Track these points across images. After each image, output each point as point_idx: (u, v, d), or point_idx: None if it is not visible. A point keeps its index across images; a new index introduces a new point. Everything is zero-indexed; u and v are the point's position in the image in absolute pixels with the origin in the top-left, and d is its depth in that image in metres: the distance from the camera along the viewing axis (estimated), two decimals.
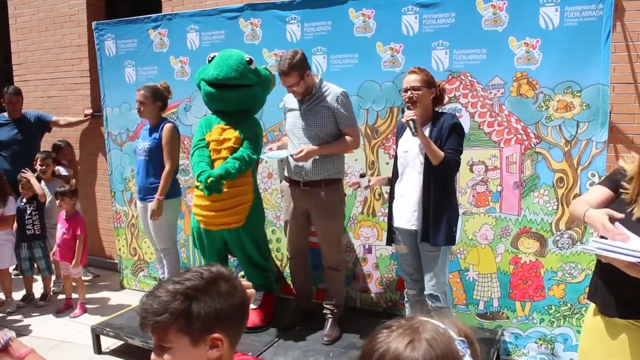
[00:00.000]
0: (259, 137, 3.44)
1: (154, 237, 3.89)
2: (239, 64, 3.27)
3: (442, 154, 2.62)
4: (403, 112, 2.71)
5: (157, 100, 3.73)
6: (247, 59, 3.32)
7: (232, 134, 3.31)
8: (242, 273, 3.88)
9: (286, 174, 3.35)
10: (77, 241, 4.21)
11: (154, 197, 3.66)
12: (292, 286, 3.71)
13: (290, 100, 3.29)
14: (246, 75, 3.28)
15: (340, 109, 3.13)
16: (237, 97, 3.32)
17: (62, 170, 4.75)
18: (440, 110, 2.90)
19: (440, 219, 2.71)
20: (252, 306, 3.46)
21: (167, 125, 3.70)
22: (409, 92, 2.71)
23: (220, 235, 3.42)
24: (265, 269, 3.62)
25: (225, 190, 3.20)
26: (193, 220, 3.48)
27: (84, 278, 4.67)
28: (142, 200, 3.82)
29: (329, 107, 3.12)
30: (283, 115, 3.45)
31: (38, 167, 4.53)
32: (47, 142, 5.23)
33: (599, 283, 1.90)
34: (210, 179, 3.08)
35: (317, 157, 3.15)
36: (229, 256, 3.79)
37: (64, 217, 4.24)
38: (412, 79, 2.72)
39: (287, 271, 3.91)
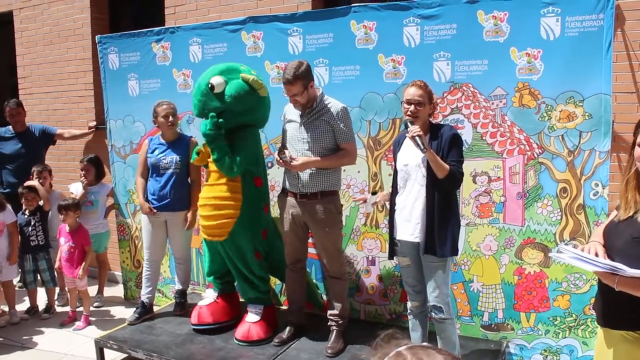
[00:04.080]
0: (249, 152, 3.37)
1: (175, 246, 4.01)
2: (200, 97, 3.30)
3: (447, 167, 2.62)
4: (406, 126, 2.70)
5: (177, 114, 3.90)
6: (210, 85, 3.24)
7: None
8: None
9: (285, 186, 3.36)
10: (86, 254, 4.26)
11: (184, 209, 3.87)
12: (285, 296, 3.66)
13: (290, 112, 3.30)
14: (208, 105, 3.28)
15: (340, 124, 3.14)
16: (218, 124, 3.29)
17: (76, 187, 4.73)
18: (435, 122, 2.91)
19: (446, 231, 2.70)
20: (254, 319, 3.45)
21: (195, 140, 3.90)
22: (413, 106, 2.71)
23: (214, 245, 3.52)
24: (255, 285, 3.56)
25: (212, 203, 3.38)
26: None
27: (95, 304, 4.69)
28: (170, 212, 3.87)
29: (328, 121, 3.13)
30: (282, 126, 3.45)
31: (35, 180, 4.54)
32: (53, 155, 5.27)
33: (598, 294, 1.93)
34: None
35: (313, 169, 3.16)
36: None
37: (67, 231, 4.25)
38: (417, 94, 2.72)
39: None
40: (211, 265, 3.68)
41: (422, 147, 2.58)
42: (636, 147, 1.84)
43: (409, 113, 2.71)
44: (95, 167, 4.67)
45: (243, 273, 3.52)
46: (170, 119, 3.80)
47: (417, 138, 2.59)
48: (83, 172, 4.59)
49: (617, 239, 1.85)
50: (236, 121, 3.34)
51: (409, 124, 2.68)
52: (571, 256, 1.81)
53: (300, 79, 3.04)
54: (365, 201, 3.01)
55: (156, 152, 3.87)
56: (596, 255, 1.82)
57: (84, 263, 4.22)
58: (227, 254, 3.48)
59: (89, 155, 4.78)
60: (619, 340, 1.84)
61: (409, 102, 2.72)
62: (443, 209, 2.70)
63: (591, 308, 3.12)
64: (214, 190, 3.41)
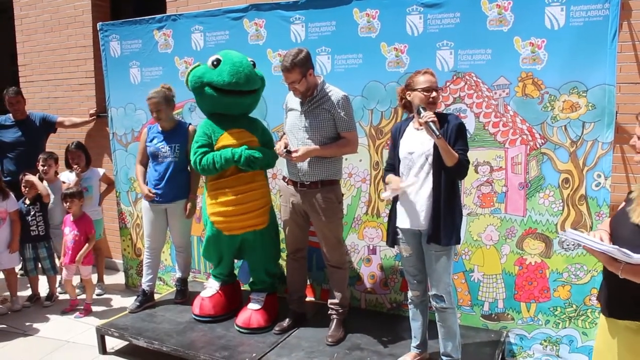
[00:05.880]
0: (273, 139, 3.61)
1: (175, 235, 4.00)
2: (250, 70, 3.36)
3: (457, 155, 2.59)
4: (419, 112, 2.65)
5: (169, 103, 3.82)
6: (252, 62, 3.41)
7: (249, 137, 3.41)
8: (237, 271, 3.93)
9: (285, 174, 3.35)
10: (89, 241, 4.26)
11: (183, 197, 3.85)
12: (287, 285, 3.65)
13: (292, 100, 3.29)
14: (256, 80, 3.40)
15: (340, 113, 3.12)
16: (249, 102, 3.47)
17: (67, 176, 4.71)
18: (438, 111, 2.88)
19: (451, 219, 2.69)
20: (255, 307, 3.46)
21: (193, 127, 3.86)
22: (433, 92, 2.68)
23: (241, 239, 3.48)
24: (273, 274, 3.64)
25: (248, 193, 3.38)
26: (210, 228, 3.48)
27: (96, 292, 4.69)
28: (170, 201, 3.85)
29: (329, 110, 3.11)
30: (283, 114, 3.45)
31: (40, 168, 4.53)
32: (54, 143, 5.26)
33: (603, 284, 1.92)
34: (251, 157, 3.31)
35: (314, 158, 3.14)
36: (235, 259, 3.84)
37: (72, 220, 4.25)
38: (434, 80, 2.71)
39: None
40: (222, 266, 3.67)
41: (437, 133, 2.54)
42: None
43: (430, 100, 2.68)
44: (84, 153, 4.65)
45: (266, 263, 3.58)
46: (154, 114, 3.78)
47: (431, 124, 2.55)
48: (74, 159, 4.57)
49: (623, 228, 1.84)
50: (256, 105, 3.57)
51: (421, 109, 2.64)
52: (576, 237, 1.82)
53: (298, 67, 3.02)
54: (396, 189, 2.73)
55: (155, 140, 3.85)
56: (601, 240, 1.81)
57: (83, 248, 4.20)
58: (261, 243, 3.50)
59: (74, 141, 4.74)
60: (623, 329, 1.84)
61: (429, 90, 2.68)
62: (449, 197, 2.68)
63: (591, 299, 3.13)
64: (238, 182, 3.37)
